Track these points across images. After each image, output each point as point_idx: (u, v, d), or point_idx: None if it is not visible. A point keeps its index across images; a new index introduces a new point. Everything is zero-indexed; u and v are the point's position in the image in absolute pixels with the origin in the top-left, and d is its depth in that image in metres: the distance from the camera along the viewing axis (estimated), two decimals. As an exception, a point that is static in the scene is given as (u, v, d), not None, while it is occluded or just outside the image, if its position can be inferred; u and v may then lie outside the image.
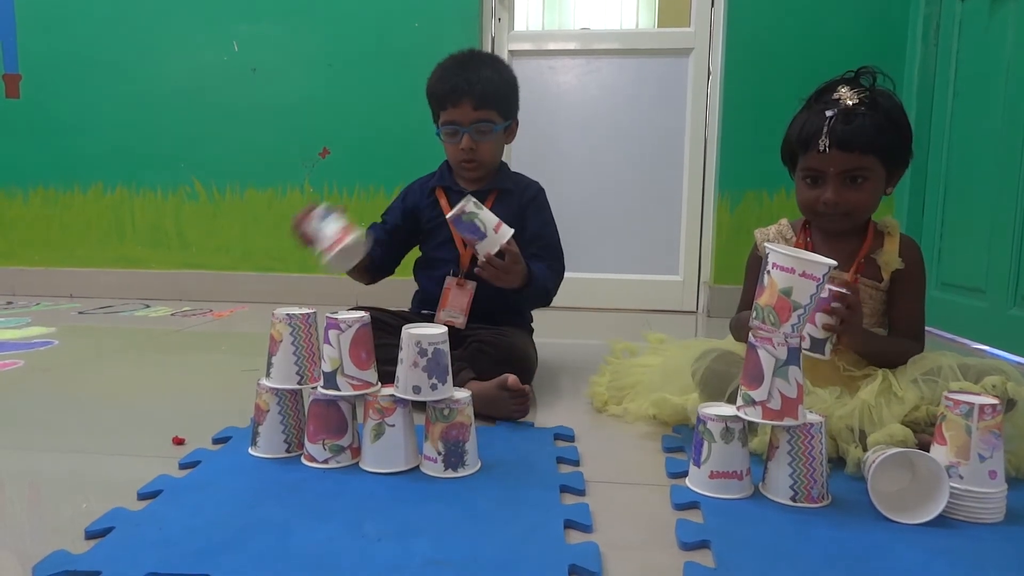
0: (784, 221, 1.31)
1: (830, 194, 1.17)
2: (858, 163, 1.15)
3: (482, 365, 1.33)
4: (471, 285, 1.46)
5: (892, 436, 1.01)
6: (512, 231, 1.31)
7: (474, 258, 1.38)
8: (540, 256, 1.49)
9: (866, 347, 1.16)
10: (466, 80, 1.45)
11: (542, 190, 1.60)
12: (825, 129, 1.15)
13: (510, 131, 1.56)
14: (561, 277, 1.54)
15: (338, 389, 1.04)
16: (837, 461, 1.06)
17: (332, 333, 1.04)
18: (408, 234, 1.60)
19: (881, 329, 1.24)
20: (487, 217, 1.28)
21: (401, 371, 1.03)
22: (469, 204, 1.27)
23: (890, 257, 1.20)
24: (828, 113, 1.15)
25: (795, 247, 1.24)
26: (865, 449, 1.03)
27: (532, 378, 1.48)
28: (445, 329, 1.05)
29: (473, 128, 1.46)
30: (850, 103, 1.15)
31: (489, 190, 1.53)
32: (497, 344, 1.38)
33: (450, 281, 1.47)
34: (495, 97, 1.47)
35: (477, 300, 1.46)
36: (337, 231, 1.31)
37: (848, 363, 1.18)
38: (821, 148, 1.15)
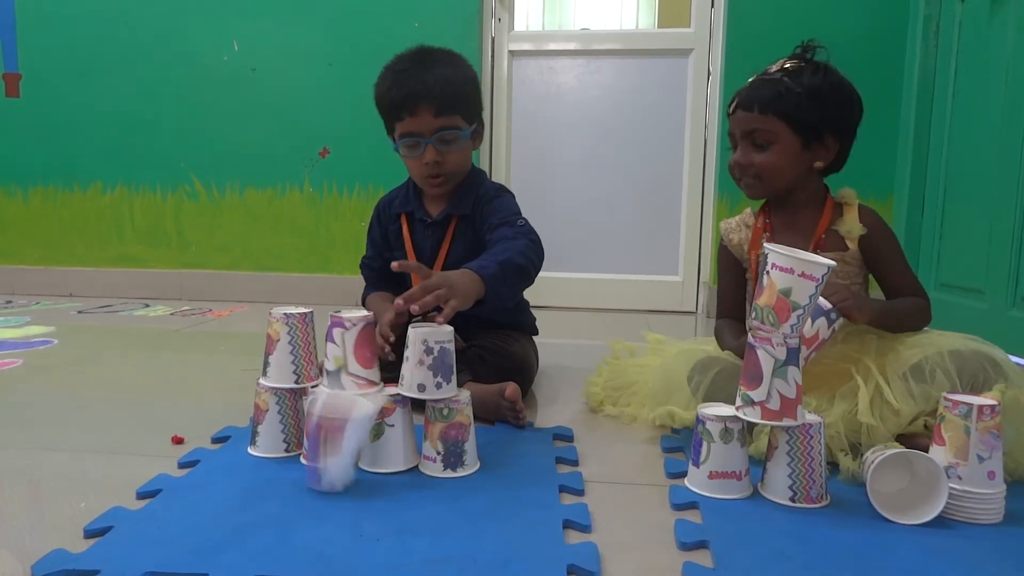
0: (748, 210, 1.34)
1: (737, 155, 1.23)
2: (758, 124, 1.19)
3: (481, 372, 1.30)
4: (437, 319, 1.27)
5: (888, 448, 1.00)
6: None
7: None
8: (499, 229, 1.31)
9: (878, 315, 1.14)
10: (422, 83, 1.28)
11: (500, 190, 1.44)
12: (737, 94, 1.22)
13: (476, 136, 1.39)
14: (531, 238, 1.30)
15: (343, 388, 1.04)
16: (832, 467, 1.06)
17: (337, 332, 1.04)
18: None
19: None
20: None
21: (406, 369, 1.03)
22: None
23: (851, 225, 1.21)
24: (750, 80, 1.22)
25: (755, 231, 1.27)
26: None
27: (531, 385, 1.47)
28: (451, 328, 1.05)
29: (436, 138, 1.30)
30: (772, 70, 1.21)
31: (449, 217, 1.40)
32: (496, 351, 1.36)
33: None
34: (458, 99, 1.30)
35: (467, 321, 1.29)
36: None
37: (833, 357, 1.16)
38: (730, 110, 1.23)
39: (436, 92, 1.28)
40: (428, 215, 1.43)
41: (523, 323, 1.56)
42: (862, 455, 1.01)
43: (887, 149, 2.47)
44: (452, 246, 1.40)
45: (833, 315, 1.09)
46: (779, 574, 0.77)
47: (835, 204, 1.24)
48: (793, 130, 1.18)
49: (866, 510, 0.92)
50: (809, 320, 1.07)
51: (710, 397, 1.16)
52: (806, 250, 1.18)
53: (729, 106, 1.26)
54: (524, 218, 1.36)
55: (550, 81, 2.80)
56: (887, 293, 1.25)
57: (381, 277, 1.49)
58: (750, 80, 1.23)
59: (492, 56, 2.76)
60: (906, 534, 0.87)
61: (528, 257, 1.24)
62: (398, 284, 1.41)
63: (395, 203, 1.48)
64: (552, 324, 2.40)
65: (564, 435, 1.22)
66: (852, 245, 1.21)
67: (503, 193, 1.44)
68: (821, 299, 1.08)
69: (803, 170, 1.22)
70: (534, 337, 1.58)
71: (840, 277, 1.21)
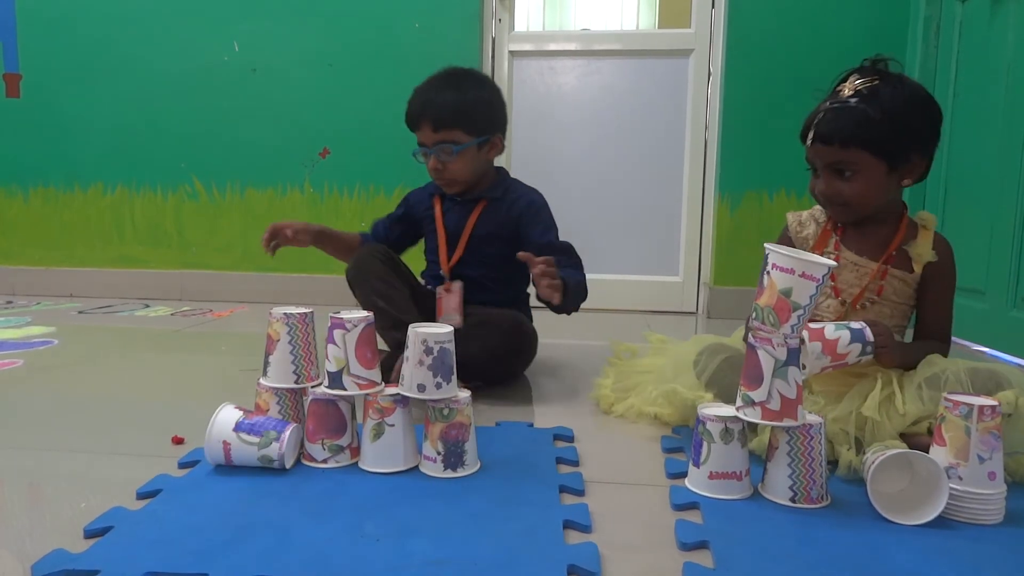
0: (818, 207, 1.30)
1: (821, 185, 1.20)
2: (840, 156, 1.15)
3: (488, 333, 1.42)
4: (457, 285, 1.53)
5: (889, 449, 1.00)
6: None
7: (460, 260, 1.56)
8: (559, 260, 1.47)
9: (902, 361, 1.14)
10: (421, 104, 1.50)
11: (536, 199, 1.60)
12: (814, 122, 1.17)
13: (492, 146, 1.56)
14: (583, 268, 1.56)
15: (344, 389, 1.04)
16: (833, 464, 1.06)
17: (337, 333, 1.04)
18: (408, 226, 1.69)
19: (899, 327, 1.23)
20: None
21: (406, 369, 1.03)
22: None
23: (923, 249, 1.20)
24: (823, 105, 1.17)
25: (824, 232, 1.25)
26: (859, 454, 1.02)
27: (535, 353, 1.55)
28: (451, 328, 1.05)
29: (437, 149, 1.50)
30: (846, 94, 1.15)
31: (478, 199, 1.58)
32: (501, 317, 1.48)
33: (439, 291, 1.54)
34: (456, 117, 1.48)
35: (472, 293, 1.54)
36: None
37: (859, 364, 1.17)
38: (808, 142, 1.18)
39: (432, 111, 1.49)
40: (458, 195, 1.59)
41: (516, 301, 1.64)
42: (863, 453, 1.01)
43: (887, 150, 2.46)
44: (479, 222, 1.57)
45: (869, 348, 1.09)
46: (780, 574, 0.77)
47: (910, 222, 1.23)
48: (878, 157, 1.14)
49: (866, 510, 0.92)
50: (848, 335, 1.07)
51: (713, 382, 1.17)
52: (876, 261, 1.19)
53: (803, 135, 1.20)
54: (558, 236, 1.58)
55: (550, 81, 2.80)
56: (920, 323, 1.24)
57: (391, 239, 1.68)
58: (824, 106, 1.17)
59: (492, 56, 2.76)
60: (906, 534, 0.87)
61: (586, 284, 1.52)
62: (401, 240, 1.69)
63: (429, 188, 1.66)
64: (552, 324, 2.39)
65: (564, 435, 1.22)
66: (917, 268, 1.20)
67: (535, 202, 1.60)
68: (867, 329, 1.09)
69: (892, 191, 1.20)
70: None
71: (897, 297, 1.21)
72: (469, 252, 1.57)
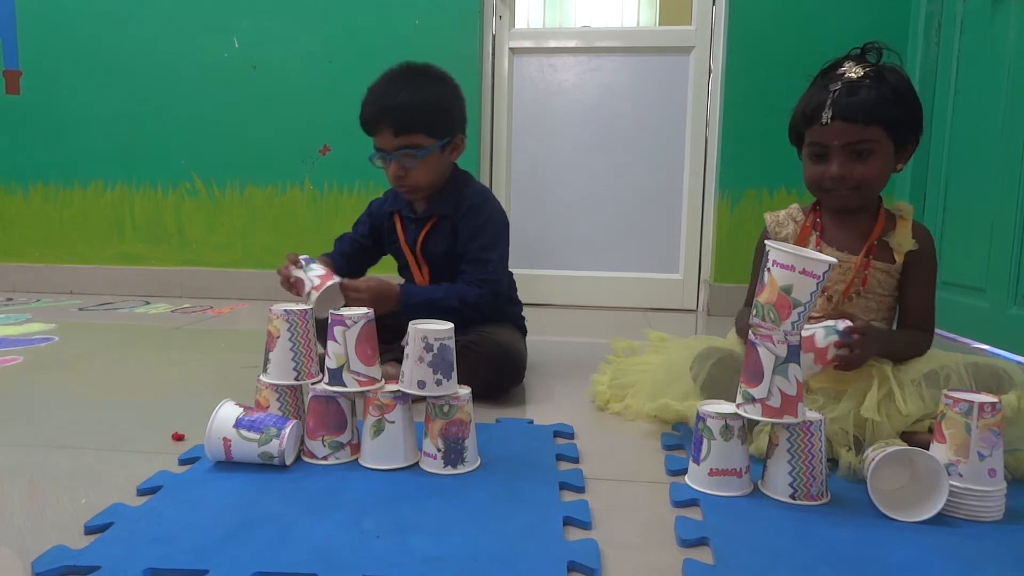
0: (794, 206, 1.30)
1: (835, 168, 1.16)
2: (862, 135, 1.14)
3: (473, 365, 1.30)
4: None
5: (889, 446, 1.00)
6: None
7: (434, 276, 1.49)
8: (464, 271, 1.46)
9: (881, 351, 1.14)
10: (380, 107, 1.41)
11: (483, 200, 1.51)
12: (829, 101, 1.14)
13: (454, 147, 1.49)
14: (486, 289, 1.45)
15: (344, 385, 1.04)
16: (833, 463, 1.06)
17: (338, 330, 1.04)
18: (374, 248, 1.62)
19: (885, 320, 1.23)
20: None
21: (407, 366, 1.03)
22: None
23: (903, 239, 1.19)
24: (832, 86, 1.15)
25: (804, 229, 1.25)
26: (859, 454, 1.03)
27: (524, 373, 1.48)
28: (451, 325, 1.05)
29: (399, 155, 1.42)
30: (855, 76, 1.14)
31: (429, 216, 1.51)
32: (484, 343, 1.37)
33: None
34: (417, 120, 1.41)
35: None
36: (319, 277, 1.34)
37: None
38: (824, 120, 1.14)
39: (393, 115, 1.40)
40: (413, 212, 1.54)
41: (507, 316, 1.57)
42: (864, 452, 1.01)
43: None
44: (429, 239, 1.51)
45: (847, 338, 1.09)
46: (779, 571, 0.77)
47: (888, 214, 1.22)
48: (891, 138, 1.14)
49: (866, 507, 0.92)
50: (823, 335, 1.08)
51: (708, 385, 1.17)
52: (856, 255, 1.19)
53: (809, 117, 1.17)
54: (494, 243, 1.48)
55: (551, 78, 2.80)
56: (902, 313, 1.24)
57: (345, 253, 1.61)
58: (831, 87, 1.14)
59: (493, 53, 2.76)
60: (906, 531, 0.87)
61: (467, 305, 1.42)
62: (360, 262, 1.62)
63: (387, 204, 1.60)
64: (552, 322, 2.40)
65: (565, 432, 1.22)
66: (899, 258, 1.20)
67: (486, 205, 1.51)
68: (840, 322, 1.09)
69: (889, 175, 1.20)
70: (524, 337, 1.58)
71: (882, 290, 1.20)
72: (436, 269, 1.51)
